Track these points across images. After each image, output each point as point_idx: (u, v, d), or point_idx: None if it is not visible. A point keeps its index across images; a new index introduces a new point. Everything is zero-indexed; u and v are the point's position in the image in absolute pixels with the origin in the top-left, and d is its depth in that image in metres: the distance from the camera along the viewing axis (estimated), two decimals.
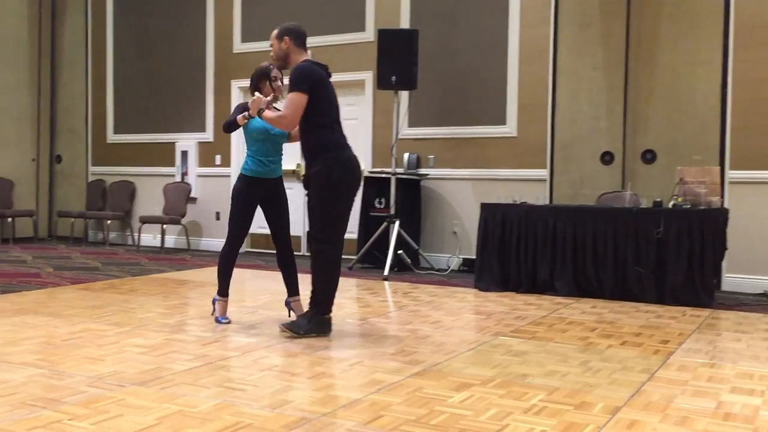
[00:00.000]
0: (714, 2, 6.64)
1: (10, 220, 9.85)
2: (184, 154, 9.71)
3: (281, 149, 4.60)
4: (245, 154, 4.55)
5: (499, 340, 4.23)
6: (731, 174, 6.51)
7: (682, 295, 5.61)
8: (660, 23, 6.89)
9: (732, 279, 6.48)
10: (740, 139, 6.50)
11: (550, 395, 3.11)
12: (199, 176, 9.62)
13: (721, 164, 6.49)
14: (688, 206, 5.78)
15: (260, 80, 4.55)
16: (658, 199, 6.00)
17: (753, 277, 6.40)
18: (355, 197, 4.32)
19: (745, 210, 6.37)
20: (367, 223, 7.76)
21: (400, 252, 7.28)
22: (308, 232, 4.35)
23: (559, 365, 3.65)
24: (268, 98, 4.30)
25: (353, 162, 4.24)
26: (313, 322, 4.20)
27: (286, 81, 4.31)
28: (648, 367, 3.64)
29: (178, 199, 9.47)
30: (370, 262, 7.59)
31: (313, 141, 4.16)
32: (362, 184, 7.97)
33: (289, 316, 4.66)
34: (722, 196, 6.17)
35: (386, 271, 6.94)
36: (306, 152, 4.22)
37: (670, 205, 5.89)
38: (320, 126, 4.14)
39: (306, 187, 4.23)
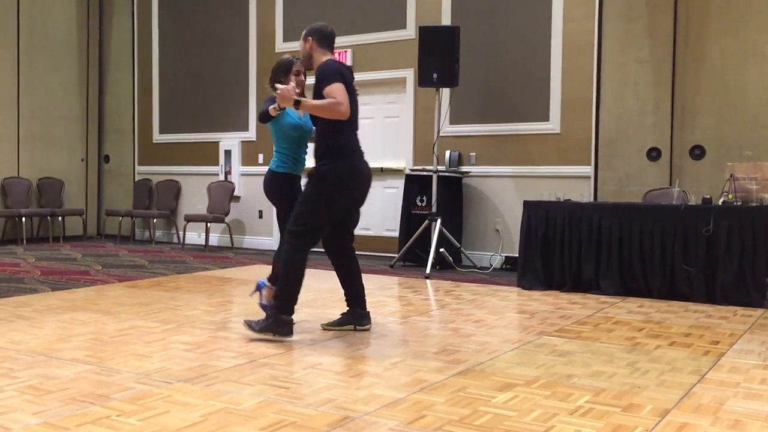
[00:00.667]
0: None
1: (60, 218, 10.10)
2: (228, 153, 9.83)
3: (308, 146, 4.49)
4: (275, 152, 4.43)
5: (544, 340, 4.18)
6: None
7: (733, 294, 5.46)
8: (709, 16, 6.72)
9: None
10: None
11: (597, 396, 3.06)
12: (243, 175, 9.72)
13: None
14: (739, 203, 5.62)
15: (281, 73, 4.38)
16: (708, 196, 5.85)
17: None
18: (352, 207, 4.22)
19: None
20: (409, 221, 7.75)
21: (441, 250, 7.25)
22: (288, 227, 4.06)
23: (606, 366, 3.59)
24: (294, 87, 4.06)
25: (363, 171, 4.10)
26: (272, 321, 4.00)
27: (310, 81, 4.10)
28: (698, 369, 3.55)
29: (222, 197, 9.59)
30: (412, 260, 7.58)
31: (331, 142, 3.99)
32: (404, 182, 8.00)
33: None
34: None
35: (428, 269, 6.92)
36: (320, 151, 4.03)
37: (720, 202, 5.73)
38: (340, 128, 3.96)
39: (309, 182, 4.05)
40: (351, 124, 4.04)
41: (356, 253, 4.38)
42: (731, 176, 5.74)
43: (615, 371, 3.48)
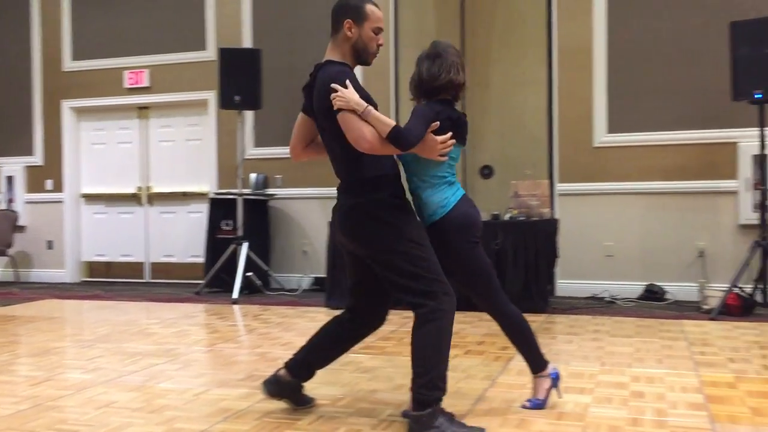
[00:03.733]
0: (539, 27, 7.12)
1: None
2: (10, 179, 9.00)
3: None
4: (433, 182, 2.99)
5: (349, 358, 4.25)
6: (559, 186, 6.99)
7: (520, 302, 5.83)
8: (491, 44, 7.29)
9: (564, 284, 6.93)
10: (565, 154, 7.00)
11: (399, 409, 3.16)
12: (28, 203, 8.95)
13: (550, 178, 6.95)
14: (523, 218, 6.13)
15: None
16: (496, 212, 6.31)
17: (582, 281, 6.88)
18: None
19: (572, 220, 6.85)
20: (215, 246, 7.55)
21: (249, 274, 7.15)
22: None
23: (408, 379, 3.70)
24: None
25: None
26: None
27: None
28: (489, 374, 3.80)
29: (4, 227, 8.75)
30: (219, 286, 7.38)
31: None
32: (208, 206, 7.81)
33: None
34: (552, 208, 6.61)
35: (235, 294, 6.78)
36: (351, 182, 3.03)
37: (507, 217, 6.21)
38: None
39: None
40: None
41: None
42: (515, 193, 6.25)
43: None
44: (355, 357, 4.26)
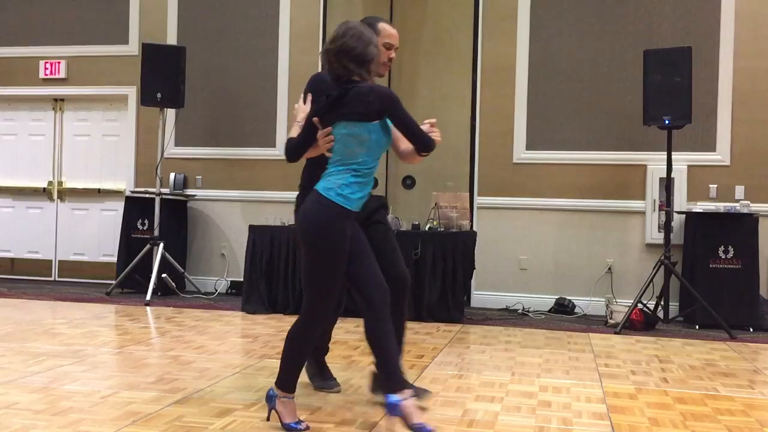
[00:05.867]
0: (465, 44, 7.28)
1: None
2: None
3: None
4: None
5: (265, 363, 4.22)
6: (478, 200, 7.15)
7: (437, 311, 6.02)
8: (419, 58, 7.41)
9: (479, 296, 7.09)
10: (485, 168, 7.17)
11: (313, 414, 3.16)
12: None
13: (471, 190, 7.11)
14: (442, 229, 6.24)
15: None
16: (417, 222, 6.40)
17: (497, 293, 7.05)
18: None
19: (489, 233, 7.02)
20: (129, 246, 7.34)
21: (164, 275, 6.98)
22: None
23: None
24: None
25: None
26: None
27: None
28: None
29: None
30: (132, 287, 7.18)
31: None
32: (124, 204, 7.59)
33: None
34: (471, 220, 6.76)
35: (149, 296, 6.60)
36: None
37: (427, 228, 6.31)
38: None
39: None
40: None
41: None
42: (436, 204, 6.36)
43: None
44: (269, 362, 4.23)
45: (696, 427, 3.18)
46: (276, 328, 5.46)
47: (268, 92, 7.67)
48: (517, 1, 7.11)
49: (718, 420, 3.28)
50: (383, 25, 3.34)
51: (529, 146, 7.08)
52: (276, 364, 4.15)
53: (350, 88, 2.91)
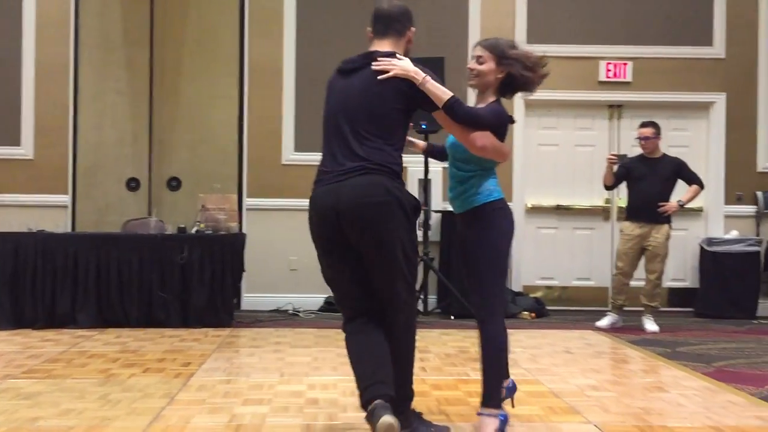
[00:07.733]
0: (231, 43, 7.15)
1: None
2: None
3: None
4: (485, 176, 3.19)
5: (8, 384, 3.80)
6: (247, 201, 7.07)
7: (205, 316, 5.84)
8: (183, 57, 7.14)
9: (250, 298, 7.02)
10: (254, 170, 7.11)
11: None
12: None
13: (239, 192, 7.01)
14: (210, 232, 6.08)
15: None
16: (182, 226, 6.17)
17: (267, 295, 7.02)
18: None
19: (259, 234, 6.96)
20: None
21: None
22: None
23: (76, 402, 3.45)
24: None
25: (317, 202, 3.14)
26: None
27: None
28: (168, 392, 3.68)
29: None
30: None
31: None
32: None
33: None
34: (240, 222, 6.66)
35: None
36: None
37: (194, 231, 6.11)
38: None
39: None
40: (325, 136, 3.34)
41: None
42: (203, 207, 6.18)
43: (85, 407, 3.37)
44: (14, 383, 3.82)
45: (449, 410, 3.42)
46: (22, 344, 4.95)
47: (11, 86, 6.92)
48: (283, 3, 7.13)
49: (467, 402, 3.55)
50: None
51: (298, 147, 7.14)
52: (22, 383, 3.77)
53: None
